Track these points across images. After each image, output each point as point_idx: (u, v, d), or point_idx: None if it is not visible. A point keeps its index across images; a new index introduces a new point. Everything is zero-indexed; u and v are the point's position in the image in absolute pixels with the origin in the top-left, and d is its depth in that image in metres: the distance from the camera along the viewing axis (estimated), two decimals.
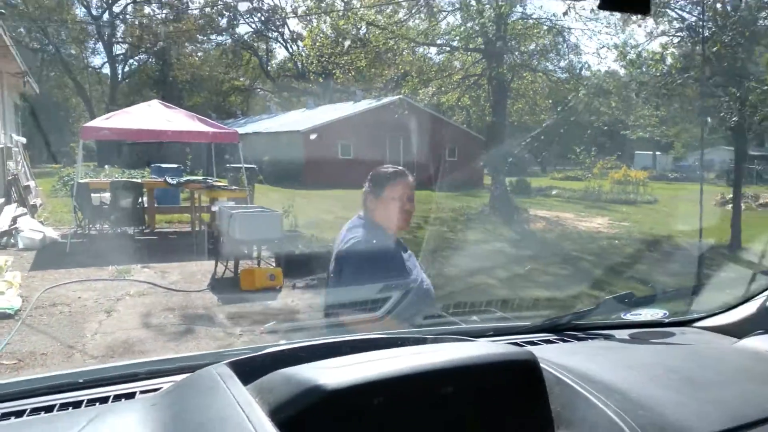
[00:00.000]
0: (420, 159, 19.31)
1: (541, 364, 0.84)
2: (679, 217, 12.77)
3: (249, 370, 0.91)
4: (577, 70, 16.44)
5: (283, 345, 1.09)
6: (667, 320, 1.35)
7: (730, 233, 9.77)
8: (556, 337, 1.26)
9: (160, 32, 34.95)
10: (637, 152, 37.56)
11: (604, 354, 1.10)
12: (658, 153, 40.32)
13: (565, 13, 13.44)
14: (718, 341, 1.24)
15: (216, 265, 6.85)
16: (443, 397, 0.77)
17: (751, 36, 11.29)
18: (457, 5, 15.92)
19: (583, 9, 15.55)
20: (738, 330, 1.27)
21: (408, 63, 17.74)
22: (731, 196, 12.31)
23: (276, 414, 0.74)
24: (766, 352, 1.12)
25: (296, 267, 6.57)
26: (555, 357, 1.02)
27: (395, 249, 2.28)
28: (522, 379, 0.78)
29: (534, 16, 16.31)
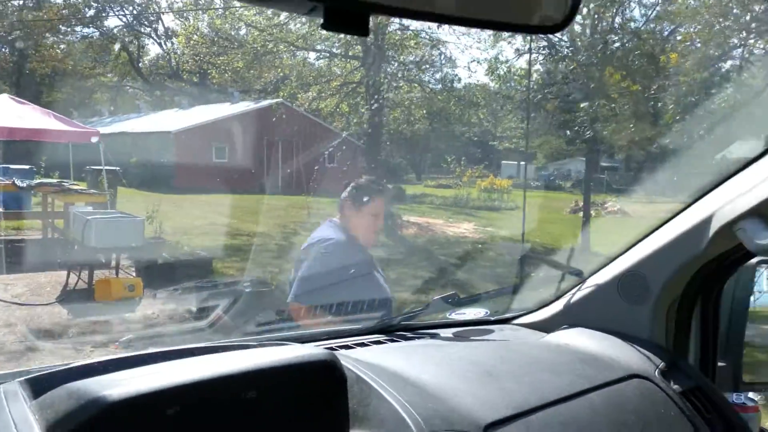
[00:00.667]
0: (298, 164, 19.18)
1: (346, 364, 0.87)
2: (533, 222, 13.74)
3: (46, 386, 0.85)
4: (449, 83, 17.18)
5: (96, 359, 1.03)
6: (488, 318, 1.45)
7: (580, 237, 10.70)
8: (386, 338, 1.30)
9: (17, 20, 31.81)
10: (504, 162, 39.93)
11: (423, 351, 1.15)
12: (522, 163, 43.13)
13: (439, 26, 14.00)
14: (529, 336, 1.35)
15: (68, 276, 6.34)
16: (246, 402, 0.77)
17: (603, 57, 12.49)
18: None
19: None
20: (548, 325, 1.39)
21: (288, 67, 17.62)
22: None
23: (53, 430, 0.69)
24: (565, 345, 1.24)
25: (159, 276, 6.25)
26: (375, 357, 1.06)
27: (365, 256, 2.34)
28: (322, 380, 0.80)
29: (411, 28, 16.86)
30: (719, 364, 1.35)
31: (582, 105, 12.80)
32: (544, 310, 1.43)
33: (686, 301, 1.24)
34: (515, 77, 17.29)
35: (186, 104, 30.14)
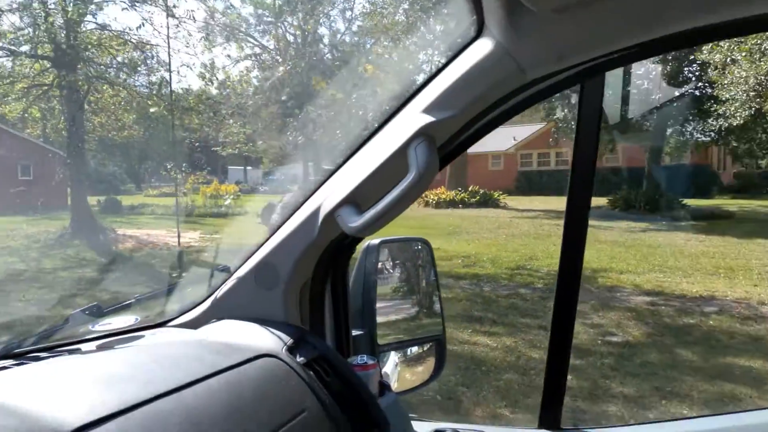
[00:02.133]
0: None
1: None
2: (240, 225, 13.90)
3: None
4: (157, 86, 16.35)
5: None
6: (139, 325, 1.42)
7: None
8: (14, 363, 1.18)
9: None
10: (230, 167, 39.58)
11: (47, 370, 1.08)
12: (249, 168, 43.30)
13: (138, 27, 13.22)
14: (177, 337, 1.36)
15: None
16: None
17: (308, 66, 13.27)
18: (16, 4, 14.03)
19: (162, 27, 15.57)
20: (200, 323, 1.42)
21: None
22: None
23: None
24: (205, 339, 1.28)
25: None
26: None
27: None
28: None
29: (111, 28, 15.59)
30: (356, 332, 1.54)
31: (295, 111, 13.43)
32: (196, 309, 1.46)
33: (317, 282, 1.39)
34: (229, 83, 17.26)
35: None
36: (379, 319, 1.71)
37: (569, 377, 5.23)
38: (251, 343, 1.22)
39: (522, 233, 14.85)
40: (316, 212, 1.23)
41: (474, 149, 32.88)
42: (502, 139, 35.41)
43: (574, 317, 1.37)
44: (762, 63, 11.60)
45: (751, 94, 12.58)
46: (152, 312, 1.51)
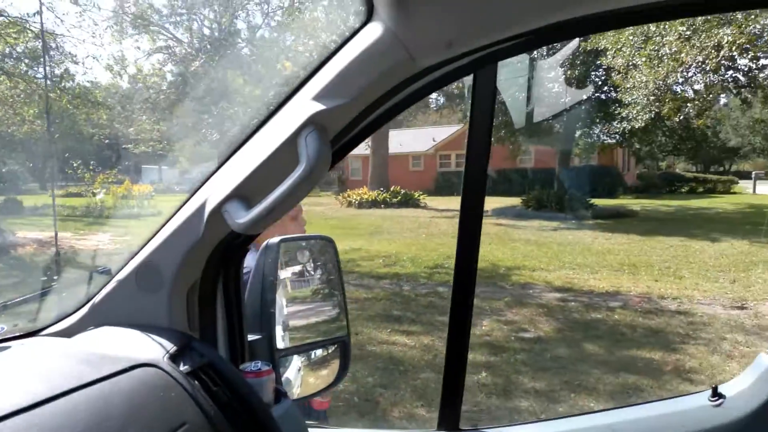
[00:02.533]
0: None
1: None
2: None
3: None
4: (61, 79, 15.39)
5: None
6: (6, 335, 1.28)
7: None
8: None
9: None
10: (144, 166, 37.90)
11: None
12: (165, 167, 41.62)
13: (36, 14, 12.37)
14: (52, 346, 1.23)
15: None
16: None
17: (222, 60, 12.87)
18: None
19: (65, 14, 14.64)
20: (77, 331, 1.29)
21: None
22: None
23: None
24: (79, 348, 1.16)
25: None
26: None
27: None
28: None
29: (7, 13, 14.49)
30: (254, 337, 1.45)
31: (212, 108, 13.00)
32: (73, 316, 1.33)
33: (207, 284, 1.29)
34: (140, 77, 16.51)
35: None
36: (281, 322, 1.63)
37: (484, 374, 5.33)
38: (129, 352, 1.11)
39: (441, 232, 15.10)
40: (202, 208, 1.14)
41: (395, 150, 33.20)
42: (422, 140, 35.98)
43: (470, 318, 1.35)
44: (660, 68, 12.37)
45: (651, 98, 13.39)
46: (26, 320, 1.36)
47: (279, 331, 1.62)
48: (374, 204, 22.79)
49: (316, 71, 1.02)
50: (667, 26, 12.30)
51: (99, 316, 1.28)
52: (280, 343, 1.53)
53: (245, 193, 1.08)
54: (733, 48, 11.59)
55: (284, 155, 1.01)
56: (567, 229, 16.02)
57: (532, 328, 6.73)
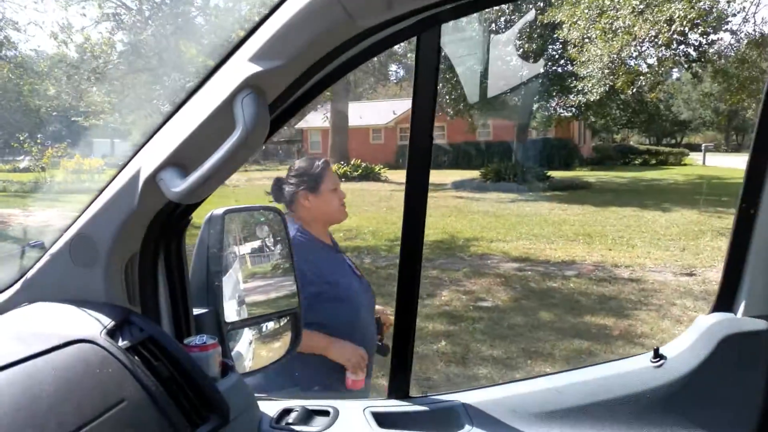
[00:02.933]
0: None
1: None
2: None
3: None
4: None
5: None
6: None
7: None
8: None
9: None
10: (96, 140, 36.66)
11: None
12: (117, 140, 40.34)
13: None
14: None
15: None
16: None
17: (177, 29, 12.44)
18: None
19: None
20: (6, 308, 1.23)
21: None
22: None
23: None
24: (10, 325, 1.10)
25: None
26: None
27: (336, 252, 2.34)
28: None
29: None
30: (200, 311, 1.41)
31: (164, 79, 12.60)
32: (6, 293, 1.26)
33: (147, 257, 1.24)
34: (87, 46, 15.84)
35: None
36: (236, 296, 1.59)
37: (443, 343, 5.39)
38: (63, 329, 1.06)
39: (401, 206, 15.08)
40: (136, 177, 1.08)
41: (355, 123, 32.95)
42: (382, 113, 35.79)
43: (417, 288, 1.34)
44: (614, 42, 12.54)
45: (606, 71, 13.60)
46: None
47: (233, 305, 1.59)
48: None
49: (254, 31, 0.97)
50: (621, 0, 12.44)
51: (32, 292, 1.23)
52: (232, 317, 1.50)
53: (181, 160, 1.03)
54: (684, 22, 11.81)
55: (220, 120, 0.97)
56: (524, 201, 16.28)
57: (490, 298, 6.85)
